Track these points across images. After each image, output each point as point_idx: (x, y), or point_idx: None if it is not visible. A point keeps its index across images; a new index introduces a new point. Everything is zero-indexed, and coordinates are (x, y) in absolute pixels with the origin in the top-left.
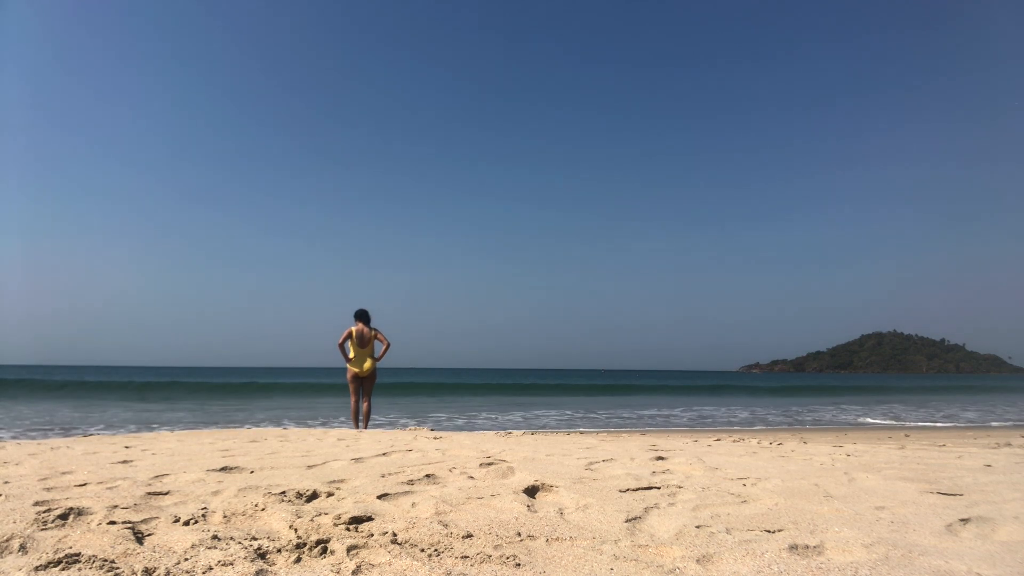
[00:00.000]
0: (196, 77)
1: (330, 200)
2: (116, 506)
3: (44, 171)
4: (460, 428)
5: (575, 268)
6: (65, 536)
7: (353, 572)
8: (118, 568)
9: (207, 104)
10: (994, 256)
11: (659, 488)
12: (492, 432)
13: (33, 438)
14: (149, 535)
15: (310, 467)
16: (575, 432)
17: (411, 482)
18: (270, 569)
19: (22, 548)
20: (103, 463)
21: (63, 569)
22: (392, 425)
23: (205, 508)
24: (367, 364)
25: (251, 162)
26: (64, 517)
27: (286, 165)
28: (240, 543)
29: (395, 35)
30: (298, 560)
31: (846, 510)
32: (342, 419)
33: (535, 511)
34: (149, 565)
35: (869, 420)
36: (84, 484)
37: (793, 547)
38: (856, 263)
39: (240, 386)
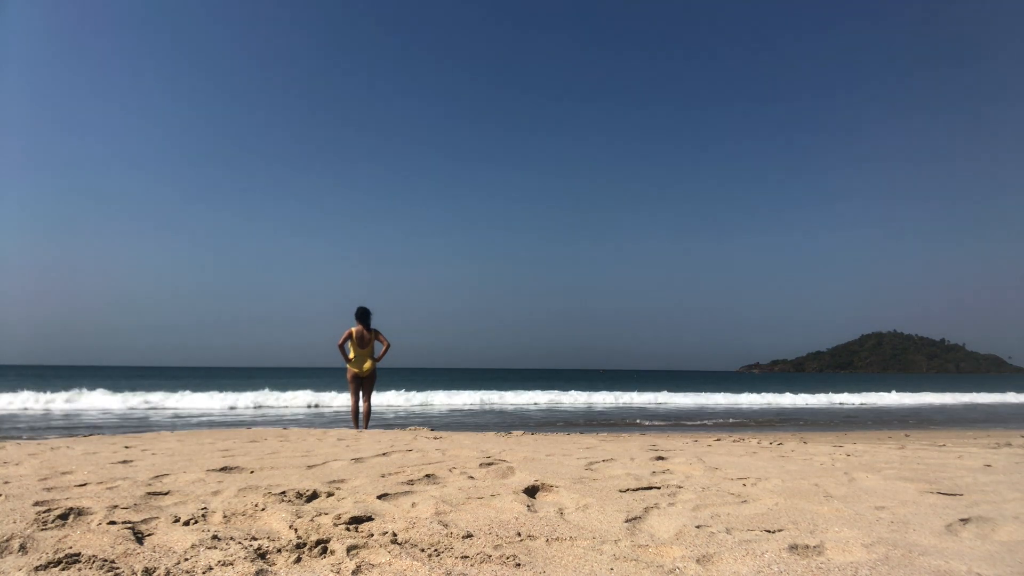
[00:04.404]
0: (197, 76)
1: (331, 198)
2: (116, 506)
3: (44, 171)
4: (459, 428)
5: (575, 267)
6: (65, 536)
7: (353, 572)
8: (118, 568)
9: (208, 104)
10: (994, 256)
11: (659, 488)
12: (492, 432)
13: (33, 438)
14: (149, 535)
15: (310, 467)
16: (575, 432)
17: (411, 482)
18: (270, 569)
19: (22, 548)
20: (103, 463)
21: (63, 569)
22: (389, 423)
23: (205, 508)
24: (367, 364)
25: (251, 161)
26: (64, 517)
27: (287, 163)
28: (240, 543)
29: (396, 33)
30: (298, 560)
31: (846, 510)
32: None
33: (535, 511)
34: (149, 565)
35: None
36: (84, 484)
37: (793, 547)
38: (856, 263)
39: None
